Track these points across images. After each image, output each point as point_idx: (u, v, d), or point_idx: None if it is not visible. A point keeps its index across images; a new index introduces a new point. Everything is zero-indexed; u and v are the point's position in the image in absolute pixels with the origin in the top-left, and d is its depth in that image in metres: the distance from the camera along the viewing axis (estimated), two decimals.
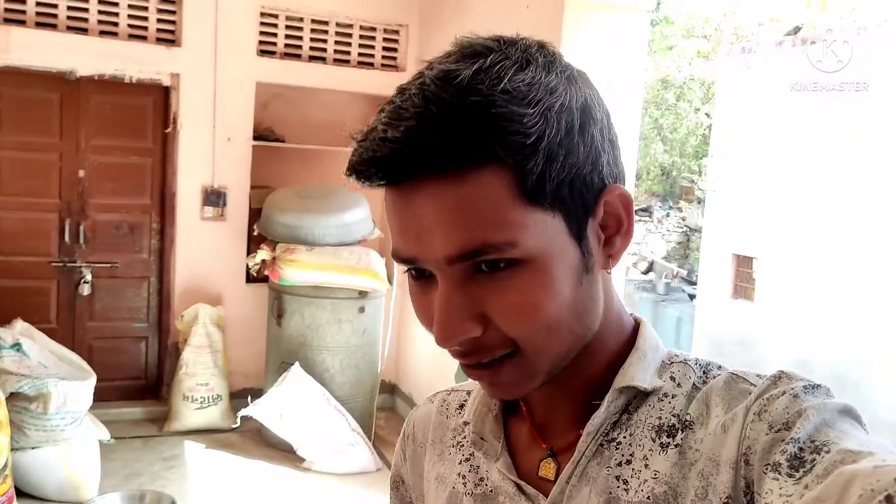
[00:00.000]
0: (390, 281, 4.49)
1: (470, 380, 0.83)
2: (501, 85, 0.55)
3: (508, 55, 0.58)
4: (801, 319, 7.19)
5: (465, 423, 0.74)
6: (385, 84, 4.99)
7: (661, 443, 0.63)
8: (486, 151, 0.55)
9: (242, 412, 4.17)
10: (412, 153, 0.55)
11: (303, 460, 4.19)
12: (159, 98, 4.72)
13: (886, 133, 6.46)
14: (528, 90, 0.56)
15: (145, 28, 4.53)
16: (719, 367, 0.67)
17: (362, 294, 4.37)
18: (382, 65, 5.00)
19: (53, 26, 4.34)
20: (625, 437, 0.65)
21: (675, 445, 0.62)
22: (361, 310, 4.40)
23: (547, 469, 0.68)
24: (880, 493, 0.44)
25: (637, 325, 0.70)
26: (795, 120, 7.49)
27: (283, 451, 4.26)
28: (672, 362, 0.68)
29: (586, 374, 0.67)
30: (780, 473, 0.53)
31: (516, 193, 0.56)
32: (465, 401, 0.79)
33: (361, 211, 4.57)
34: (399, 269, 4.07)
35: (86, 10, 4.38)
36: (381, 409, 4.89)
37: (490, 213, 0.56)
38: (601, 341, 0.67)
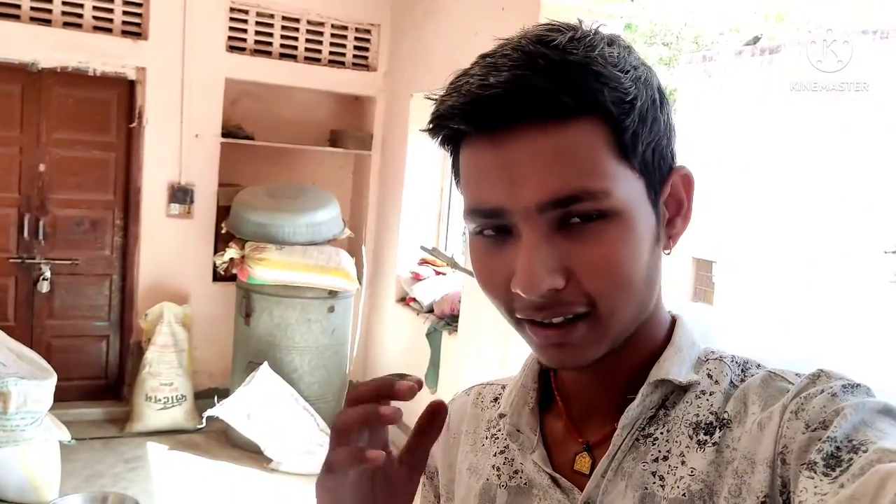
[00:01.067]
0: (360, 281, 4.47)
1: (501, 377, 0.83)
2: (596, 51, 0.58)
3: (596, 32, 0.60)
4: (758, 321, 7.35)
5: (501, 416, 0.74)
6: (356, 83, 4.97)
7: (699, 440, 0.63)
8: (590, 102, 0.57)
9: (208, 412, 4.10)
10: (520, 96, 0.56)
11: (270, 461, 4.13)
12: (124, 92, 4.63)
13: (843, 139, 6.64)
14: (619, 60, 0.59)
15: (111, 20, 4.44)
16: (758, 366, 0.67)
17: (332, 294, 4.34)
18: (354, 64, 4.98)
19: (16, 17, 4.22)
20: (661, 433, 0.65)
21: (713, 444, 0.62)
22: (331, 309, 4.37)
23: (582, 463, 0.68)
24: None
25: (674, 321, 0.70)
26: (754, 127, 7.66)
27: (249, 452, 4.20)
28: (708, 359, 0.68)
29: (624, 367, 0.67)
30: (815, 472, 0.52)
31: (612, 147, 0.58)
32: (500, 394, 0.79)
33: (332, 210, 4.53)
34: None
35: (50, 0, 4.27)
36: None
37: (587, 162, 0.57)
38: (644, 332, 0.67)
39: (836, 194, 6.74)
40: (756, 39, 8.81)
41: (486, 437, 0.77)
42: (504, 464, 0.73)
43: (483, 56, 0.60)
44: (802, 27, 8.64)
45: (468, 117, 0.58)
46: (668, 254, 0.65)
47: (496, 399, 0.79)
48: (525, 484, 0.70)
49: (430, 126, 0.62)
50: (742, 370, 0.66)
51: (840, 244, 6.68)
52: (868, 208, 6.49)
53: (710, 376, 0.66)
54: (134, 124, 4.60)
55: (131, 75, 4.53)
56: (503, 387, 0.79)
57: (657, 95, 0.62)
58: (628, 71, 0.59)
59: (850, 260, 6.62)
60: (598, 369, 0.65)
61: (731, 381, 0.65)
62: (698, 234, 8.03)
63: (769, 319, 7.33)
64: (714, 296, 8.33)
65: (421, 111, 4.67)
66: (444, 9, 4.30)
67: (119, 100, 4.63)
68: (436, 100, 0.61)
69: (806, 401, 0.57)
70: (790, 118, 7.23)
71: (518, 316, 0.61)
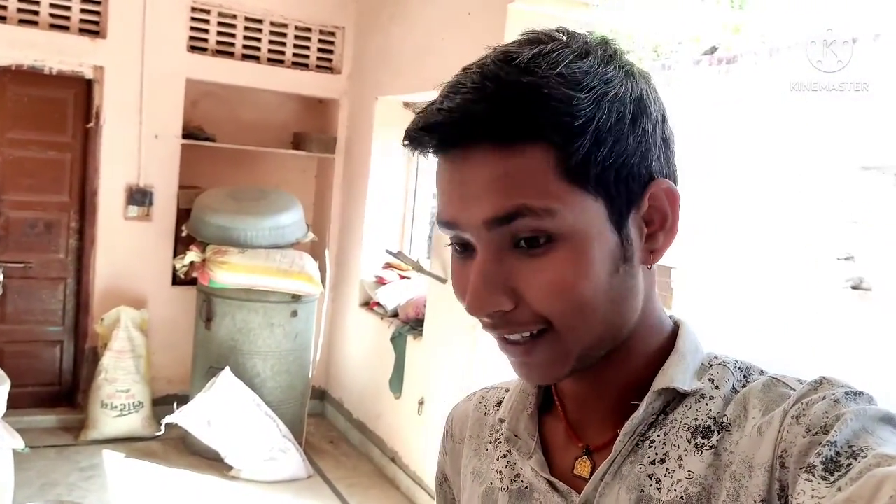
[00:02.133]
0: (324, 285, 4.42)
1: (506, 380, 0.83)
2: (557, 69, 0.58)
3: (569, 44, 0.61)
4: (715, 326, 7.48)
5: (501, 421, 0.75)
6: (320, 86, 4.93)
7: (697, 444, 0.63)
8: (534, 128, 0.58)
9: (167, 419, 4.01)
10: (463, 122, 0.58)
11: (230, 468, 4.06)
12: (81, 91, 4.52)
13: (798, 147, 6.80)
14: (583, 77, 0.59)
15: (68, 18, 4.33)
16: (761, 372, 0.67)
17: (295, 298, 4.29)
18: (317, 66, 4.94)
19: None
20: (659, 437, 0.65)
21: (711, 447, 0.62)
22: (294, 314, 4.32)
23: (582, 467, 0.68)
24: None
25: (677, 327, 0.70)
26: (712, 135, 7.79)
27: (209, 460, 4.12)
28: (711, 365, 0.68)
29: (624, 373, 0.67)
30: (813, 475, 0.52)
31: (560, 171, 0.59)
32: (504, 398, 0.79)
33: (295, 213, 4.48)
34: (329, 276, 4.03)
35: None
36: (311, 415, 4.80)
37: (531, 183, 0.59)
38: (640, 340, 0.67)
39: (790, 202, 6.89)
40: (714, 49, 8.98)
41: (490, 442, 0.78)
42: (506, 467, 0.74)
43: (463, 69, 0.62)
44: (757, 38, 8.83)
45: (425, 140, 0.61)
46: (650, 269, 0.65)
47: (500, 403, 0.79)
48: (526, 488, 0.71)
49: (406, 137, 0.64)
50: (744, 375, 0.66)
51: (795, 251, 6.83)
52: (821, 215, 6.65)
53: (711, 381, 0.66)
54: (91, 124, 4.49)
55: (89, 74, 4.43)
56: (507, 390, 0.80)
57: (628, 111, 0.61)
58: (593, 88, 0.59)
59: (804, 266, 6.77)
60: (592, 377, 0.67)
61: (733, 387, 0.65)
62: None
63: (727, 325, 7.47)
64: (672, 301, 8.44)
65: (385, 114, 4.65)
66: (410, 12, 4.29)
67: (76, 99, 4.52)
68: (417, 113, 0.64)
69: (808, 406, 0.57)
70: (745, 126, 7.38)
71: (485, 329, 0.64)
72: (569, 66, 0.58)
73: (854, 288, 6.51)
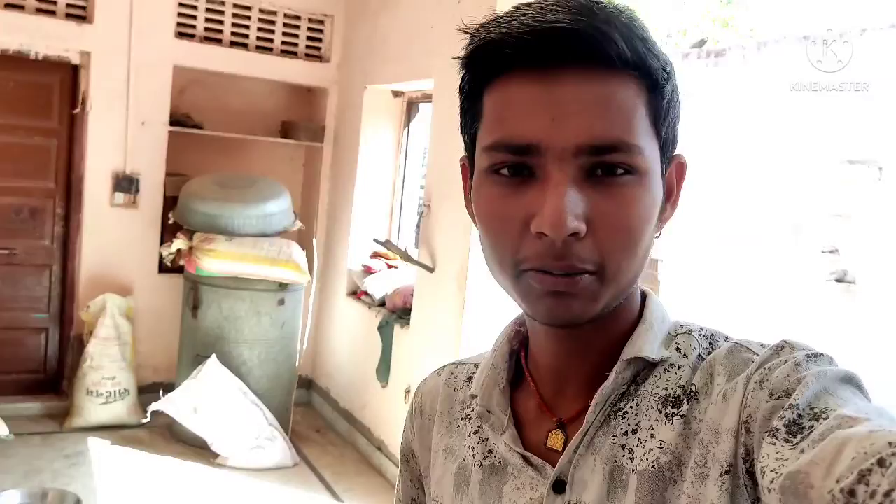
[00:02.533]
0: (311, 273, 4.41)
1: (475, 354, 0.82)
2: (637, 21, 0.60)
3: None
4: (701, 318, 7.52)
5: (473, 397, 0.74)
6: (308, 74, 4.91)
7: (667, 413, 0.63)
8: (640, 60, 0.58)
9: (153, 406, 4.01)
10: (580, 35, 0.56)
11: (217, 456, 4.06)
12: (67, 77, 4.48)
13: (785, 137, 6.84)
14: (651, 35, 0.60)
15: (54, 2, 4.29)
16: (726, 338, 0.67)
17: (282, 286, 4.28)
18: (306, 54, 4.92)
19: None
20: (631, 408, 0.65)
21: (682, 416, 0.63)
22: (281, 302, 4.31)
23: (555, 440, 0.68)
24: (873, 456, 0.44)
25: (644, 297, 0.71)
26: (698, 127, 7.82)
27: (195, 447, 4.12)
28: (678, 333, 0.68)
29: (599, 344, 0.67)
30: (777, 438, 0.53)
31: (648, 109, 0.60)
32: (473, 373, 0.78)
33: (283, 202, 4.47)
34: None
35: None
36: (298, 404, 4.80)
37: (628, 116, 0.58)
38: (626, 306, 0.67)
39: (776, 194, 6.93)
40: (702, 42, 8.99)
41: (461, 418, 0.77)
42: (479, 443, 0.73)
43: (527, 3, 0.59)
44: (747, 32, 8.86)
45: (523, 46, 0.57)
46: (658, 236, 0.65)
47: (469, 378, 0.79)
48: (500, 463, 0.70)
49: (472, 52, 0.60)
50: (710, 343, 0.67)
51: (780, 244, 6.88)
52: (806, 209, 6.69)
53: (678, 350, 0.67)
54: (77, 110, 4.46)
55: (75, 59, 4.39)
56: (476, 366, 0.79)
57: (676, 82, 0.63)
58: (662, 52, 0.61)
59: (790, 260, 6.82)
60: (575, 344, 0.67)
61: (699, 354, 0.66)
62: None
63: (713, 317, 7.51)
64: (659, 293, 8.49)
65: (374, 103, 4.64)
66: (399, 1, 4.28)
67: (62, 85, 4.48)
68: (473, 33, 0.61)
69: (770, 371, 0.58)
70: (732, 119, 7.41)
71: (523, 267, 0.60)
72: (641, 22, 0.60)
73: (838, 281, 6.56)
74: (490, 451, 0.72)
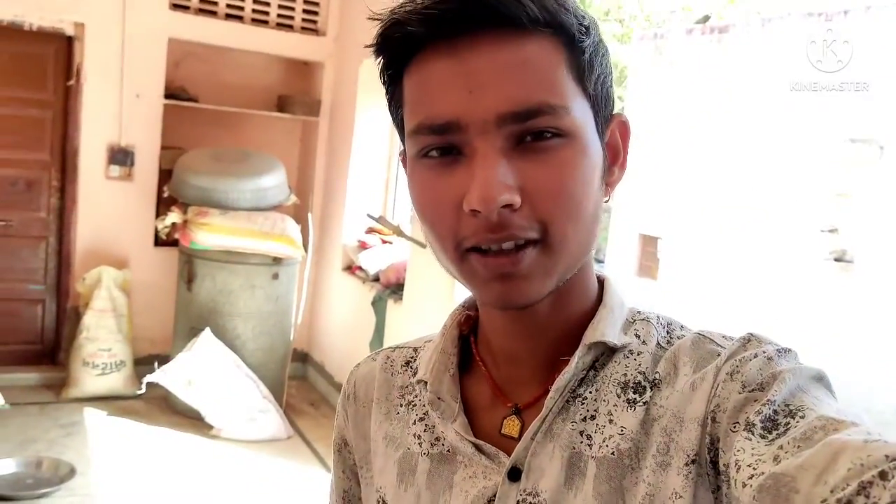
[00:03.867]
0: (305, 248, 4.43)
1: (414, 339, 0.80)
2: None
3: None
4: (700, 296, 7.53)
5: (421, 382, 0.71)
6: (304, 48, 4.89)
7: (628, 399, 0.62)
8: (552, 18, 0.56)
9: (148, 378, 4.04)
10: (483, 2, 0.54)
11: (211, 427, 4.10)
12: (62, 48, 4.47)
13: (787, 120, 6.79)
14: None
15: None
16: (682, 327, 0.67)
17: (276, 261, 4.30)
18: (302, 28, 4.88)
19: None
20: (590, 393, 0.63)
21: (643, 403, 0.62)
22: (275, 276, 4.33)
23: (511, 427, 0.66)
24: (871, 468, 0.43)
25: (602, 282, 0.69)
26: (701, 104, 7.77)
27: (190, 419, 4.16)
28: (636, 320, 0.67)
29: (556, 325, 0.65)
30: (752, 433, 0.52)
31: (570, 67, 0.58)
32: (412, 357, 0.76)
33: (277, 176, 4.47)
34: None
35: None
36: (293, 377, 4.84)
37: (548, 76, 0.56)
38: (580, 285, 0.66)
39: (777, 174, 6.90)
40: (706, 18, 8.91)
41: (402, 405, 0.74)
42: (425, 431, 0.70)
43: None
44: (751, 9, 8.77)
45: (428, 20, 0.55)
46: (607, 201, 0.64)
47: (408, 363, 0.76)
48: (448, 451, 0.68)
49: (381, 36, 0.59)
50: (667, 331, 0.66)
51: (780, 222, 6.86)
52: (806, 188, 6.66)
53: (638, 336, 0.66)
54: (72, 82, 4.45)
55: (69, 31, 4.37)
56: (415, 349, 0.77)
57: (602, 38, 0.62)
58: (577, 6, 0.59)
59: (789, 238, 6.80)
60: (530, 327, 0.64)
61: (658, 342, 0.65)
62: (645, 211, 8.17)
63: (711, 294, 7.52)
64: (658, 271, 8.49)
65: (370, 78, 4.62)
66: None
67: (56, 56, 4.47)
68: (381, 18, 0.59)
69: (741, 363, 0.57)
70: (736, 96, 7.36)
71: (465, 246, 0.58)
72: None
73: (837, 260, 6.55)
74: (438, 438, 0.69)
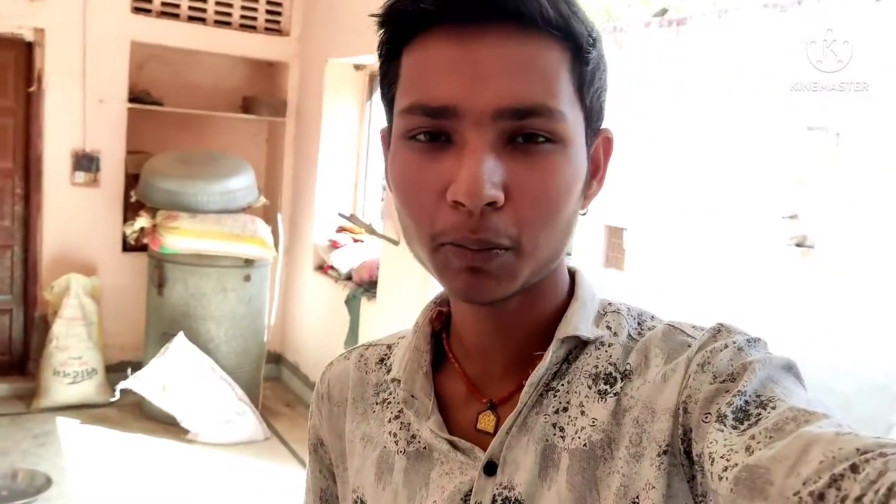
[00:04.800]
0: (277, 249, 4.42)
1: (384, 336, 0.79)
2: None
3: None
4: (666, 284, 7.66)
5: (395, 381, 0.71)
6: (268, 49, 4.88)
7: (599, 390, 0.63)
8: (564, 23, 0.56)
9: (122, 385, 4.01)
10: None
11: (187, 432, 4.09)
12: (21, 54, 4.40)
13: (745, 107, 6.93)
14: (580, 6, 0.59)
15: None
16: (652, 318, 0.68)
17: (248, 262, 4.29)
18: (266, 28, 4.87)
19: None
20: (562, 386, 0.64)
21: (614, 394, 0.62)
22: (247, 278, 4.32)
23: (486, 422, 0.66)
24: (842, 461, 0.43)
25: (572, 275, 0.69)
26: (662, 95, 7.89)
27: (165, 424, 4.14)
28: (606, 312, 0.68)
29: (529, 320, 0.65)
30: (724, 425, 0.52)
31: (573, 75, 0.57)
32: (386, 355, 0.76)
33: (246, 178, 4.46)
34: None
35: None
36: (268, 379, 4.83)
37: (550, 79, 0.56)
38: (552, 284, 0.66)
39: (738, 163, 7.04)
40: (664, 11, 9.04)
41: (377, 403, 0.74)
42: (400, 429, 0.70)
43: None
44: (707, 1, 8.92)
45: (444, 3, 0.54)
46: (584, 213, 0.64)
47: (382, 360, 0.76)
48: (424, 448, 0.68)
49: (391, 7, 0.57)
50: (638, 323, 0.67)
51: (743, 210, 7.00)
52: (767, 175, 6.81)
53: (609, 328, 0.66)
54: (33, 88, 4.38)
55: (29, 37, 4.31)
56: (388, 346, 0.77)
57: (603, 53, 0.62)
58: (587, 19, 0.60)
59: (752, 225, 6.95)
60: (502, 322, 0.65)
61: (629, 334, 0.66)
62: (610, 203, 8.27)
63: (677, 283, 7.65)
64: (625, 262, 8.61)
65: (336, 77, 4.63)
66: None
67: (16, 62, 4.40)
68: None
69: (712, 354, 0.58)
70: (696, 87, 7.49)
71: (441, 241, 0.57)
72: None
73: (798, 245, 6.71)
74: (413, 436, 0.69)
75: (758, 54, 6.76)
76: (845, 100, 5.83)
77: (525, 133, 0.55)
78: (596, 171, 0.64)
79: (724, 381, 0.56)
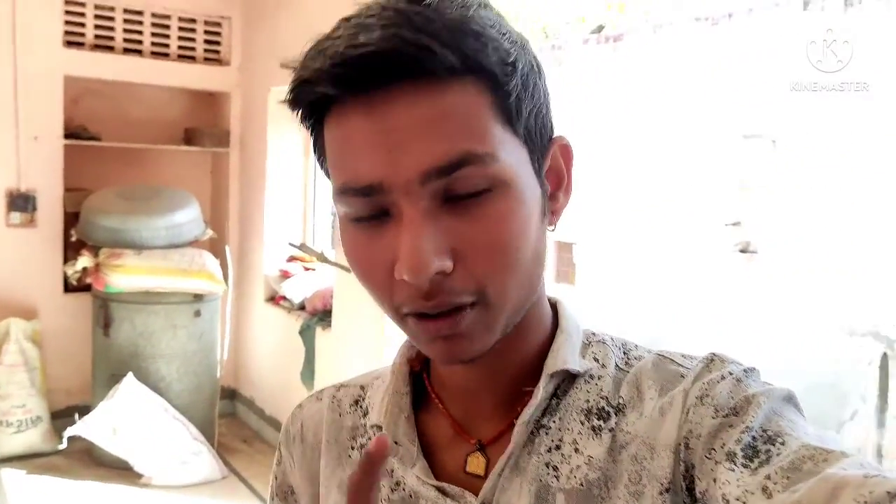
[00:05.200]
0: (226, 282, 4.33)
1: (355, 376, 0.76)
2: (471, 11, 0.54)
3: None
4: (617, 297, 7.75)
5: (375, 427, 0.68)
6: (208, 79, 4.80)
7: (593, 426, 0.61)
8: (472, 61, 0.52)
9: (69, 431, 3.86)
10: (396, 53, 0.50)
11: (141, 476, 3.94)
12: None
13: (685, 114, 7.09)
14: (494, 22, 0.55)
15: None
16: (636, 347, 0.66)
17: (197, 297, 4.18)
18: (205, 59, 4.79)
19: None
20: (554, 423, 0.61)
21: (609, 430, 0.60)
22: (197, 314, 4.21)
23: (476, 464, 0.63)
24: None
25: (555, 306, 0.67)
26: (602, 109, 8.02)
27: (117, 469, 3.99)
28: (591, 342, 0.66)
29: (515, 358, 0.63)
30: (735, 463, 0.51)
31: (495, 111, 0.54)
32: (360, 397, 0.73)
33: (191, 211, 4.36)
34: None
35: None
36: (223, 416, 4.71)
37: (472, 124, 0.53)
38: (536, 316, 0.64)
39: (681, 172, 7.19)
40: (600, 28, 9.22)
41: (353, 448, 0.70)
42: (383, 476, 0.66)
43: (346, 19, 0.54)
44: (641, 17, 9.13)
45: (338, 79, 0.52)
46: (553, 229, 0.62)
47: (356, 402, 0.73)
48: (410, 496, 0.64)
49: (292, 95, 0.55)
50: (624, 352, 0.65)
51: (688, 219, 7.14)
52: (709, 184, 6.97)
53: (596, 360, 0.64)
54: None
55: None
56: (362, 387, 0.74)
57: (535, 62, 0.58)
58: (505, 34, 0.55)
59: (698, 234, 7.09)
60: (487, 363, 0.61)
61: (617, 364, 0.64)
62: (561, 218, 8.35)
63: (628, 294, 7.75)
64: (575, 276, 8.69)
65: (280, 106, 4.57)
66: (286, 8, 4.22)
67: None
68: (295, 68, 0.55)
69: (710, 386, 0.57)
70: (635, 101, 7.64)
71: (403, 312, 0.56)
72: (478, 11, 0.54)
73: (742, 251, 6.87)
74: (398, 483, 0.65)
75: (693, 65, 6.94)
76: (785, 107, 6.01)
77: (460, 185, 0.53)
78: (559, 183, 0.62)
79: (727, 414, 0.55)
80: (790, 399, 0.56)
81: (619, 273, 7.92)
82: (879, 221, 5.46)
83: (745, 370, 0.58)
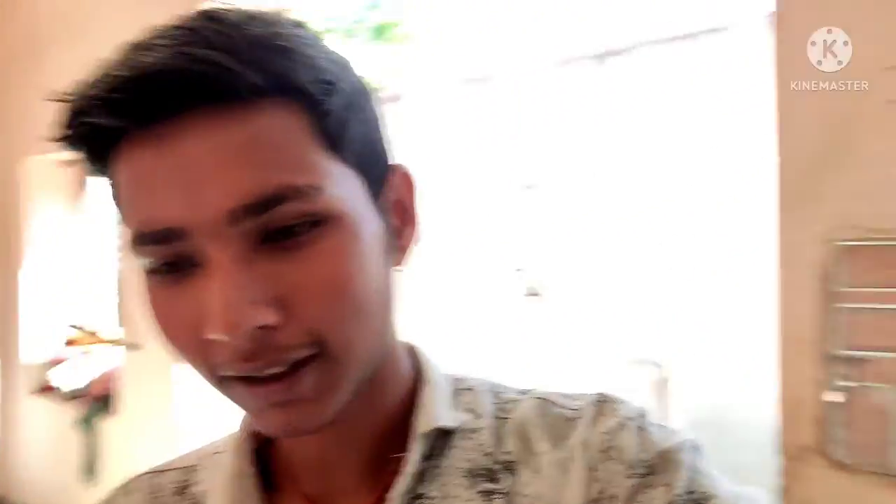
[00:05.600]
0: None
1: (170, 459, 0.65)
2: (280, 29, 0.46)
3: (277, 13, 0.49)
4: (429, 335, 7.90)
5: None
6: None
7: (482, 490, 0.53)
8: (281, 79, 0.44)
9: None
10: (190, 73, 0.42)
11: None
12: None
13: (471, 166, 7.44)
14: (309, 41, 0.48)
15: None
16: (506, 389, 0.60)
17: None
18: None
19: None
20: (435, 491, 0.53)
21: (503, 494, 0.52)
22: None
23: None
24: None
25: (411, 350, 0.60)
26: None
27: None
28: (459, 389, 0.59)
29: (375, 418, 0.55)
30: None
31: (316, 135, 0.46)
32: (185, 483, 0.61)
33: None
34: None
35: None
36: None
37: (288, 152, 0.45)
38: (392, 367, 0.56)
39: (475, 219, 7.57)
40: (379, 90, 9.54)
41: None
42: None
43: (132, 42, 0.46)
44: (415, 78, 9.58)
45: (117, 107, 0.43)
46: (401, 270, 0.54)
47: (182, 491, 0.61)
48: None
49: (66, 132, 0.45)
50: (495, 396, 0.59)
51: (486, 264, 7.49)
52: (498, 231, 7.37)
53: (470, 410, 0.57)
54: None
55: None
56: (186, 469, 0.63)
57: (361, 84, 0.51)
58: (324, 54, 0.48)
59: (495, 279, 7.46)
60: (343, 429, 0.53)
61: (493, 413, 0.57)
62: None
63: (431, 339, 7.89)
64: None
65: (41, 175, 4.17)
66: (44, 63, 3.90)
67: None
68: (68, 99, 0.45)
69: (612, 437, 0.53)
70: (417, 157, 7.93)
71: (221, 374, 0.46)
72: (289, 29, 0.47)
73: (530, 295, 7.28)
74: None
75: (468, 123, 7.35)
76: (554, 159, 6.49)
77: (279, 225, 0.45)
78: (403, 216, 0.55)
79: (643, 474, 0.51)
80: (698, 449, 0.53)
81: (427, 312, 8.10)
82: (650, 261, 6.06)
83: (640, 413, 0.54)
